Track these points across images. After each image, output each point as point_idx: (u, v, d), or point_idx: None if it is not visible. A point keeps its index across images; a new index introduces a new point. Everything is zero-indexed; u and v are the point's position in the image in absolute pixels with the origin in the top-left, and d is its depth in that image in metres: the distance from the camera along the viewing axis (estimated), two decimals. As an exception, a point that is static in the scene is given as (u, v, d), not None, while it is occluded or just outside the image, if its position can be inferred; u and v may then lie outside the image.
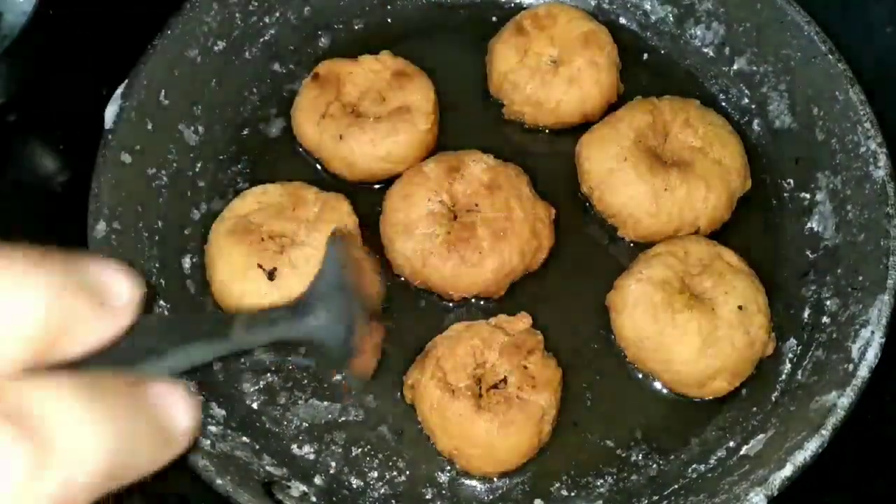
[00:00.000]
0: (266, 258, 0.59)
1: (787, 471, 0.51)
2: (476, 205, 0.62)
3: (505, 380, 0.56)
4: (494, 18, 0.75)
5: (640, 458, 0.58)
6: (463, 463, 0.56)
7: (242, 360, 0.61)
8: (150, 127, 0.63)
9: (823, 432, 0.52)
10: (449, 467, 0.58)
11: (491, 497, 0.57)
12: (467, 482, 0.57)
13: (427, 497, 0.57)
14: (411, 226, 0.61)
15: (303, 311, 0.34)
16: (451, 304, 0.63)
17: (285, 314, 0.33)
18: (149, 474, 0.22)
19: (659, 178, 0.63)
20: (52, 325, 0.21)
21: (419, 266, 0.61)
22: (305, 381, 0.60)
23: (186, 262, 0.64)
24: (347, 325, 0.36)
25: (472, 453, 0.55)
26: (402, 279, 0.63)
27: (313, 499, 0.56)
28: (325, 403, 0.60)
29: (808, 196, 0.66)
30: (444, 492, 0.57)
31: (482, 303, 0.63)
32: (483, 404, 0.55)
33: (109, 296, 0.23)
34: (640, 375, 0.61)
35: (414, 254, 0.61)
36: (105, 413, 0.21)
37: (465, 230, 0.61)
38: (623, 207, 0.64)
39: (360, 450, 0.58)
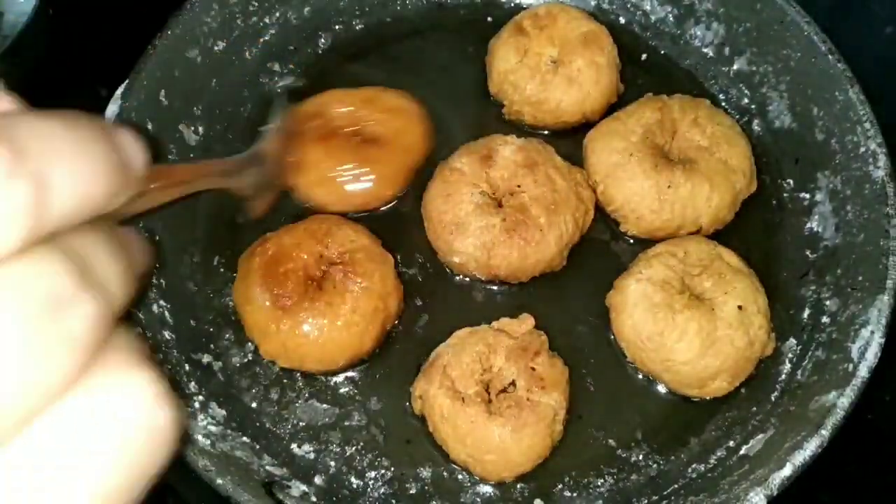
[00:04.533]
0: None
1: (787, 470, 0.51)
2: (518, 186, 0.62)
3: (514, 383, 0.56)
4: (493, 18, 0.76)
5: (640, 458, 0.58)
6: (478, 470, 0.56)
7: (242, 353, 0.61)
8: (150, 127, 0.63)
9: (823, 432, 0.52)
10: (449, 470, 0.57)
11: (492, 498, 0.57)
12: (468, 484, 0.57)
13: (428, 498, 0.57)
14: (463, 224, 0.62)
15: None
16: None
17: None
18: (104, 210, 0.23)
19: (663, 175, 0.63)
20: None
21: (485, 259, 0.61)
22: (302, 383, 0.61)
23: (186, 261, 0.64)
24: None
25: (487, 459, 0.55)
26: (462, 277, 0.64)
27: (314, 498, 0.56)
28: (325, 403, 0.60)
29: (807, 196, 0.66)
30: (445, 493, 0.57)
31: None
32: (494, 409, 0.55)
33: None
34: (641, 375, 0.61)
35: (477, 249, 0.61)
36: (87, 151, 0.23)
37: (519, 213, 0.61)
38: (626, 202, 0.64)
39: (359, 449, 0.58)
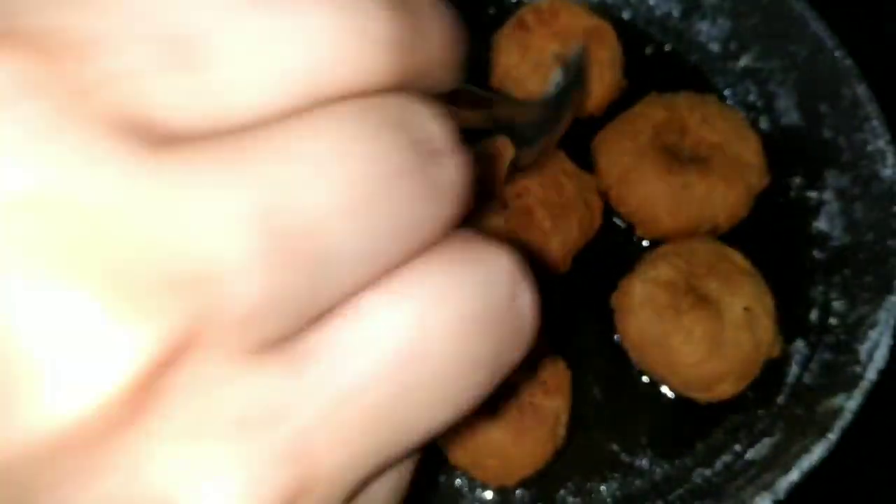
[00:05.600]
0: None
1: (794, 475, 0.50)
2: (525, 188, 0.61)
3: (514, 387, 0.55)
4: (495, 12, 0.74)
5: (644, 462, 0.57)
6: (479, 474, 0.55)
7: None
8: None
9: (830, 436, 0.51)
10: (450, 475, 0.57)
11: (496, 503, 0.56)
12: (468, 490, 0.57)
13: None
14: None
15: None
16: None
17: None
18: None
19: (677, 176, 0.62)
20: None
21: None
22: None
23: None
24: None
25: (489, 464, 0.54)
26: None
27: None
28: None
29: (815, 195, 0.65)
30: (445, 498, 0.56)
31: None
32: (495, 414, 0.54)
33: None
34: (646, 378, 0.60)
35: None
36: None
37: (524, 215, 0.60)
38: (641, 206, 0.63)
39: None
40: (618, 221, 0.65)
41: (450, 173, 0.18)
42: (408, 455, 0.19)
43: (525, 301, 0.19)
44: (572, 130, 0.69)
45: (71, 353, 0.14)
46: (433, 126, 0.18)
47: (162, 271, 0.14)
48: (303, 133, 0.16)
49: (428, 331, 0.17)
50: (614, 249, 0.64)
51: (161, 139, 0.15)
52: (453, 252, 0.18)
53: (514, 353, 0.19)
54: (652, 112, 0.65)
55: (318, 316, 0.17)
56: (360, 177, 0.16)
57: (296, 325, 0.16)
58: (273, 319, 0.16)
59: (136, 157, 0.15)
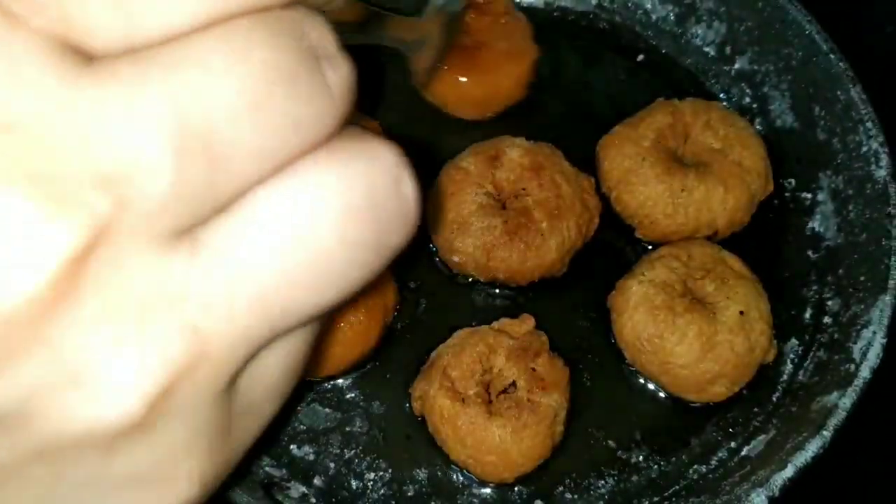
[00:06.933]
0: None
1: (789, 471, 0.50)
2: (523, 189, 0.62)
3: (514, 384, 0.56)
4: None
5: (640, 459, 0.58)
6: (478, 471, 0.56)
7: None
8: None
9: (825, 433, 0.51)
10: (448, 471, 0.57)
11: (492, 499, 0.57)
12: (467, 485, 0.57)
13: (426, 499, 0.57)
14: (465, 223, 0.61)
15: None
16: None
17: None
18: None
19: (676, 179, 0.62)
20: None
21: (484, 260, 0.61)
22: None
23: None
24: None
25: (488, 460, 0.55)
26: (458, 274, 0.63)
27: (313, 500, 0.55)
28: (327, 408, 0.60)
29: (809, 196, 0.66)
30: (443, 494, 0.57)
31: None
32: (494, 410, 0.55)
33: None
34: (640, 377, 0.60)
35: (476, 249, 0.61)
36: None
37: (521, 216, 0.61)
38: (640, 208, 0.63)
39: (358, 452, 0.58)
40: (618, 223, 0.65)
41: (338, 75, 0.20)
42: (295, 330, 0.22)
43: (408, 187, 0.22)
44: (575, 132, 0.70)
45: (7, 246, 0.16)
46: (323, 33, 0.20)
47: (86, 172, 0.17)
48: (207, 43, 0.18)
49: (316, 217, 0.20)
50: (614, 251, 0.65)
51: (85, 59, 0.17)
52: (342, 146, 0.21)
53: (399, 235, 0.22)
54: (657, 117, 0.65)
55: (220, 208, 0.19)
56: (259, 79, 0.18)
57: (200, 216, 0.19)
58: (180, 211, 0.18)
59: (65, 77, 0.17)
